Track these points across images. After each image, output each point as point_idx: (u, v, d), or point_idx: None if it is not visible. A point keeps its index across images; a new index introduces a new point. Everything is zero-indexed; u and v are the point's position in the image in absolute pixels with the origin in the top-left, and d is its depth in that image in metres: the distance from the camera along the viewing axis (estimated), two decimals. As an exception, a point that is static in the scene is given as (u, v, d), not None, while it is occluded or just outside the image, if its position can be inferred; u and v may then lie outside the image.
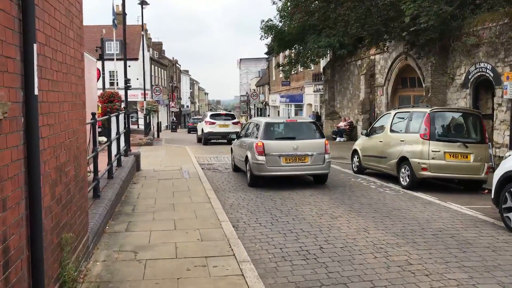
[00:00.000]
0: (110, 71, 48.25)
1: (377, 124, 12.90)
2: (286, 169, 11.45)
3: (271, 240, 6.89)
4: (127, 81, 13.57)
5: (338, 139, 25.84)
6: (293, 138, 11.38)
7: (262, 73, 70.74)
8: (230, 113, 27.95)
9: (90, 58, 11.24)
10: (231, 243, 6.30)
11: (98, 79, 22.91)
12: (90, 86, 9.71)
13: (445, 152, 10.48)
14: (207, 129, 24.06)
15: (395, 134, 11.76)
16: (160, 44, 74.10)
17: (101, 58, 31.12)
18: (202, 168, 14.34)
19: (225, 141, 23.01)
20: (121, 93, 48.83)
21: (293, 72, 31.03)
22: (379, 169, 12.30)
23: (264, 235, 7.14)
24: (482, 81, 15.18)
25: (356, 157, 13.41)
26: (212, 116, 25.18)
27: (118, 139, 11.11)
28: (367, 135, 12.88)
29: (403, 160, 11.04)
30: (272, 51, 34.40)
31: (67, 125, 4.82)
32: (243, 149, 12.27)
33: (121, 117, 11.82)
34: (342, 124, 26.43)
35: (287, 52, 37.58)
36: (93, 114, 8.28)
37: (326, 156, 11.32)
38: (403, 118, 11.81)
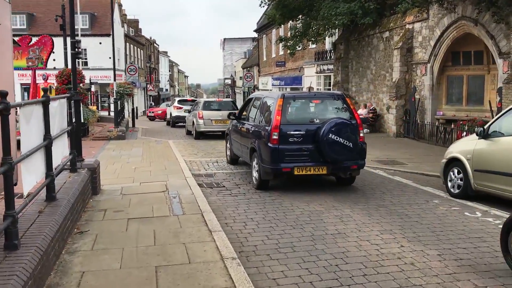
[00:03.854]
0: (81, 49, 42.25)
1: (506, 121, 7.55)
2: (215, 127, 18.40)
3: None
4: (76, 54, 8.05)
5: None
6: (219, 110, 18.01)
7: (249, 53, 65.13)
8: (195, 99, 30.37)
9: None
10: None
11: (49, 54, 17.39)
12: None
13: None
14: (175, 113, 26.99)
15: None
16: (136, 21, 67.71)
17: (63, 30, 25.25)
18: (199, 185, 9.06)
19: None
20: (93, 73, 42.63)
21: (298, 48, 25.63)
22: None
23: None
24: None
25: (456, 171, 8.20)
26: (179, 101, 28.77)
27: (48, 147, 5.73)
28: (486, 136, 7.63)
29: None
30: (272, 22, 28.90)
31: None
32: (191, 117, 19.93)
33: (57, 105, 6.42)
34: (363, 111, 21.30)
35: (287, 26, 32.24)
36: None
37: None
38: None
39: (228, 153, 12.03)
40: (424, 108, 17.48)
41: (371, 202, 7.96)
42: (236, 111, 12.16)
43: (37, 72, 17.78)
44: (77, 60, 8.43)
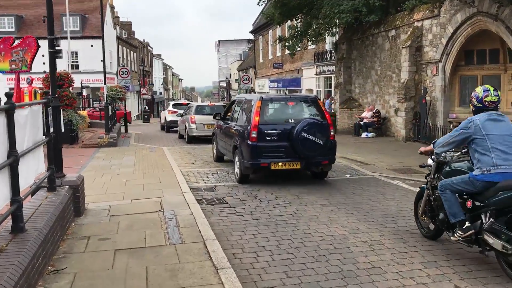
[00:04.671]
0: (72, 52, 40.96)
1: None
2: (207, 132, 17.51)
3: None
4: (54, 53, 6.83)
5: (365, 134, 19.66)
6: (212, 114, 14.23)
7: (244, 55, 64.06)
8: (190, 102, 29.86)
9: None
10: None
11: (34, 56, 16.15)
12: None
13: None
14: (170, 117, 25.54)
15: None
16: (129, 24, 66.48)
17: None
18: (199, 201, 7.93)
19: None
20: (84, 77, 41.38)
21: (298, 49, 24.54)
22: None
23: None
24: None
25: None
26: (174, 105, 27.17)
27: (13, 166, 4.58)
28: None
29: None
30: (270, 22, 27.83)
31: None
32: (184, 122, 19.62)
33: (27, 114, 5.24)
34: (367, 114, 20.25)
35: (285, 27, 31.13)
36: None
37: None
38: None
39: (215, 152, 12.97)
40: (436, 111, 16.42)
41: (400, 221, 6.86)
42: (222, 113, 12.86)
43: (21, 75, 16.58)
44: (56, 59, 7.26)
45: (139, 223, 6.49)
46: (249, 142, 9.40)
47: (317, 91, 30.71)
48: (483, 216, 4.88)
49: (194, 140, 18.79)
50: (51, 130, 6.46)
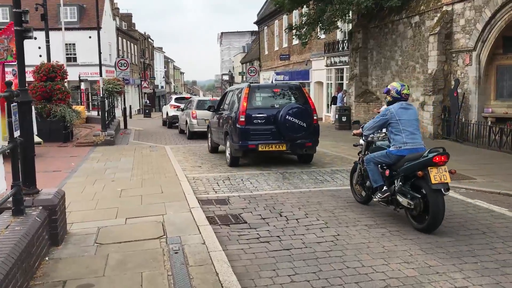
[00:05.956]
0: (69, 44, 39.24)
1: None
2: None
3: None
4: (22, 32, 5.08)
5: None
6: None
7: (248, 48, 62.22)
8: (193, 96, 28.83)
9: None
10: None
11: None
12: None
13: None
14: (172, 112, 24.09)
15: None
16: (129, 15, 64.62)
17: (44, 21, 22.32)
18: (210, 221, 6.30)
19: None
20: (82, 70, 39.63)
21: (312, 38, 22.75)
22: None
23: None
24: None
25: None
26: (176, 99, 25.73)
27: None
28: None
29: None
30: (279, 9, 26.07)
31: None
32: (185, 116, 18.93)
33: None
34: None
35: (292, 16, 29.33)
36: None
37: None
38: None
39: (209, 143, 13.56)
40: (469, 105, 14.74)
41: (477, 247, 5.21)
42: (215, 105, 13.40)
43: (6, 67, 14.90)
44: (25, 39, 5.61)
45: (135, 258, 4.86)
46: (238, 125, 10.24)
47: (328, 83, 28.99)
48: (396, 181, 6.17)
49: (195, 136, 17.72)
50: (15, 134, 4.81)
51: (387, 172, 6.33)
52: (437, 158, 5.66)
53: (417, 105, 17.24)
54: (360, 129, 7.06)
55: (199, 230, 5.77)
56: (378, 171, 6.49)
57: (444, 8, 15.58)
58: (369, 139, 6.99)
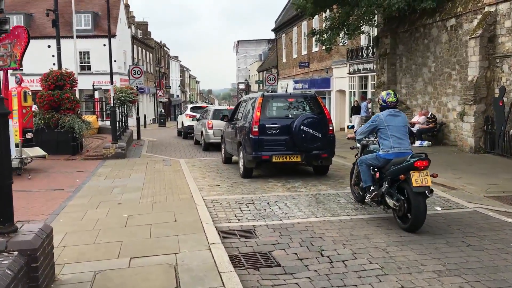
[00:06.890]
0: (81, 52, 38.54)
1: None
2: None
3: None
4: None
5: (419, 142, 16.54)
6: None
7: (265, 56, 61.13)
8: (209, 105, 27.91)
9: None
10: None
11: (24, 49, 13.43)
12: None
13: None
14: (187, 122, 22.73)
15: None
16: (145, 24, 64.11)
17: (55, 26, 21.40)
18: (235, 263, 5.04)
19: None
20: (96, 79, 38.83)
21: (337, 44, 21.43)
22: None
23: None
24: None
25: None
26: (192, 109, 24.78)
27: None
28: None
29: None
30: (301, 13, 24.82)
31: None
32: (200, 126, 17.92)
33: None
34: (420, 119, 17.11)
35: (311, 23, 28.05)
36: None
37: None
38: None
39: (223, 154, 13.26)
40: (516, 115, 13.25)
41: None
42: (229, 115, 13.08)
43: (10, 73, 13.92)
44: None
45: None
46: (251, 136, 10.02)
47: (351, 92, 27.62)
48: (384, 183, 6.54)
49: (211, 147, 16.75)
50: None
51: (377, 174, 6.70)
52: (419, 163, 5.98)
53: (455, 116, 15.79)
54: (353, 133, 7.52)
55: (221, 279, 4.47)
56: (368, 173, 6.89)
57: (486, 9, 14.16)
58: (363, 142, 7.40)
